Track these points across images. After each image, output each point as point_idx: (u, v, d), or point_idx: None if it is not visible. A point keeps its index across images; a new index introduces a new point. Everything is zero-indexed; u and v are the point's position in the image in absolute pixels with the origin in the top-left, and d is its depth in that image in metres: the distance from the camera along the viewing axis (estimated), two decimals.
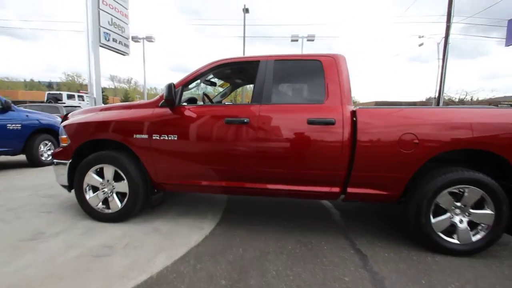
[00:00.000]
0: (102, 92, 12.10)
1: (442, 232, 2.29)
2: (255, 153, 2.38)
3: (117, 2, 12.16)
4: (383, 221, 3.02)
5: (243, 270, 1.95)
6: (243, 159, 2.42)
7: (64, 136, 2.80)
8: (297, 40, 18.62)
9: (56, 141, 5.82)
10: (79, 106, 13.29)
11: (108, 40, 12.44)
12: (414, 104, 22.31)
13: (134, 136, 2.56)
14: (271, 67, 2.49)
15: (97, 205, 2.73)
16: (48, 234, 2.43)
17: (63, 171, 2.82)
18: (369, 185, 2.35)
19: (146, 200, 2.76)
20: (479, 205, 2.20)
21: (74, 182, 2.75)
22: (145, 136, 2.54)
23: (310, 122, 2.30)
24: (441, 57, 15.62)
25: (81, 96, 18.49)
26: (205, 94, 3.25)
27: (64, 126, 2.82)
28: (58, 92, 19.83)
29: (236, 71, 3.24)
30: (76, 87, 41.53)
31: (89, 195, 2.74)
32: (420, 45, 20.53)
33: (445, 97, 17.71)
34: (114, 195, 2.70)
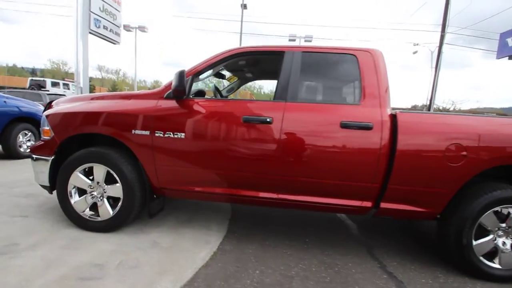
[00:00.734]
0: (89, 82, 11.42)
1: (483, 256, 2.03)
2: (277, 159, 2.04)
3: None
4: (402, 232, 2.83)
5: None
6: (262, 165, 2.07)
7: (47, 128, 2.35)
8: (294, 40, 18.34)
9: (38, 132, 5.27)
10: (64, 95, 12.51)
11: (99, 27, 11.83)
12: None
13: (133, 131, 2.16)
14: (298, 59, 2.15)
15: (83, 211, 2.31)
16: (23, 247, 2.00)
17: (44, 168, 2.38)
18: (406, 200, 2.05)
19: (143, 207, 2.36)
20: None
21: (57, 183, 2.32)
22: (146, 133, 2.14)
23: (344, 126, 1.98)
24: (434, 65, 15.86)
25: (67, 85, 17.51)
26: (216, 88, 2.87)
27: (47, 116, 2.38)
28: (42, 78, 18.73)
29: (251, 63, 2.88)
30: (62, 75, 39.77)
31: (75, 199, 2.32)
32: (415, 52, 20.72)
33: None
34: (105, 200, 2.29)
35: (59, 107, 2.43)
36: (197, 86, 2.72)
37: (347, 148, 1.99)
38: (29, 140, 5.22)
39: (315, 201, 2.11)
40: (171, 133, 2.11)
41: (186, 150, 2.12)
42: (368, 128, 1.96)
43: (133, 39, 23.17)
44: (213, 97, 2.82)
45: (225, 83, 3.68)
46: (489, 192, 1.97)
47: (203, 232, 2.45)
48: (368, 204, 2.09)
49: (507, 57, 14.77)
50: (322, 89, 2.40)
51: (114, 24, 12.79)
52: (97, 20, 11.76)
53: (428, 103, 16.02)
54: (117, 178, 2.23)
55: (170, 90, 2.16)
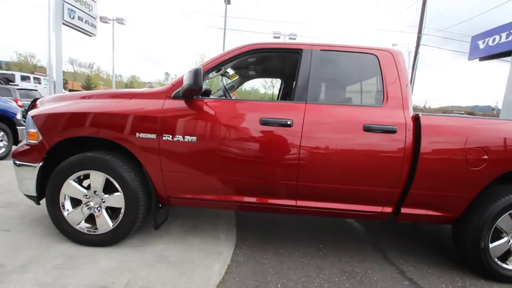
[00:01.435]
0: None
1: (498, 258, 2.05)
2: (298, 164, 1.91)
3: None
4: (410, 230, 2.89)
5: None
6: (282, 170, 1.94)
7: (33, 130, 2.07)
8: (279, 38, 18.25)
9: (11, 131, 4.77)
10: (36, 90, 11.60)
11: (73, 18, 11.10)
12: None
13: (137, 135, 1.94)
14: (317, 57, 2.03)
15: (78, 224, 2.06)
16: (10, 268, 1.73)
17: (30, 175, 2.09)
18: (427, 205, 2.01)
19: (147, 218, 2.15)
20: None
21: (47, 193, 2.05)
22: (153, 136, 1.93)
23: (367, 129, 1.89)
24: (411, 65, 16.55)
25: (38, 79, 16.25)
26: (225, 87, 2.68)
27: (33, 117, 2.08)
28: (9, 72, 17.25)
29: (259, 60, 2.72)
30: (30, 69, 37.06)
31: (68, 211, 2.06)
32: None
33: None
34: (103, 210, 2.06)
35: (47, 106, 2.15)
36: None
37: (370, 152, 1.90)
38: (1, 140, 4.72)
39: (336, 207, 2.01)
40: (181, 136, 1.92)
41: (198, 155, 1.94)
42: (392, 131, 1.89)
43: (109, 32, 22.06)
44: (223, 97, 2.64)
45: (224, 81, 3.49)
46: (506, 195, 1.97)
47: (212, 242, 2.28)
48: (388, 209, 2.03)
49: (478, 59, 15.68)
50: (342, 90, 2.30)
51: (90, 15, 12.05)
52: (72, 10, 11.03)
53: None
54: (118, 187, 2.00)
55: (179, 89, 1.96)
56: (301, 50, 2.06)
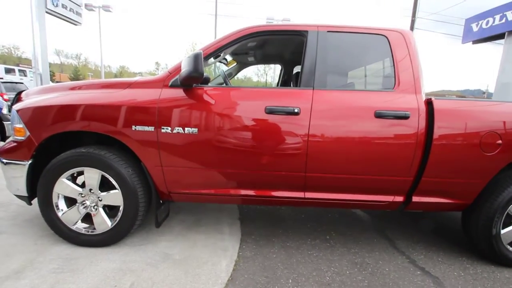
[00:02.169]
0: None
1: (509, 244, 2.02)
2: (306, 154, 1.81)
3: None
4: (414, 217, 2.86)
5: None
6: (289, 161, 1.83)
7: (19, 126, 1.91)
8: (272, 23, 17.81)
9: None
10: (21, 83, 11.14)
11: (57, 6, 10.60)
12: None
13: (133, 128, 1.80)
14: (324, 39, 1.89)
15: (75, 224, 1.95)
16: (4, 274, 1.62)
17: (19, 174, 1.95)
18: (439, 192, 1.95)
19: (147, 215, 2.05)
20: None
21: (38, 192, 1.92)
22: (150, 129, 1.80)
23: (379, 115, 1.79)
24: None
25: (23, 71, 15.64)
26: (225, 74, 2.52)
27: (19, 111, 1.92)
28: None
29: (260, 45, 2.56)
30: (14, 61, 35.75)
31: (62, 211, 1.94)
32: None
33: None
34: (100, 209, 1.94)
35: (33, 100, 1.97)
36: None
37: (383, 140, 1.81)
38: None
39: (345, 198, 1.93)
40: (181, 128, 1.79)
41: (199, 148, 1.82)
42: (405, 117, 1.79)
43: (95, 20, 21.21)
44: (224, 85, 2.49)
45: (221, 68, 3.32)
46: None
47: (216, 237, 2.20)
48: (399, 198, 1.96)
49: (471, 42, 15.61)
50: (351, 74, 2.18)
51: (75, 3, 11.51)
52: None
53: None
54: (115, 184, 1.88)
55: (177, 77, 1.82)
56: (307, 32, 1.91)
